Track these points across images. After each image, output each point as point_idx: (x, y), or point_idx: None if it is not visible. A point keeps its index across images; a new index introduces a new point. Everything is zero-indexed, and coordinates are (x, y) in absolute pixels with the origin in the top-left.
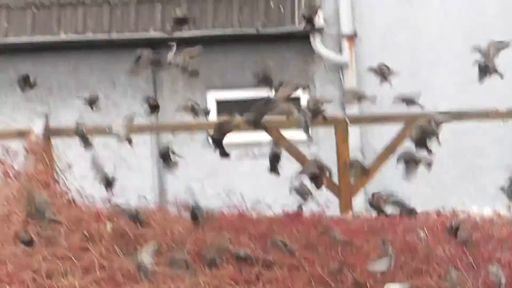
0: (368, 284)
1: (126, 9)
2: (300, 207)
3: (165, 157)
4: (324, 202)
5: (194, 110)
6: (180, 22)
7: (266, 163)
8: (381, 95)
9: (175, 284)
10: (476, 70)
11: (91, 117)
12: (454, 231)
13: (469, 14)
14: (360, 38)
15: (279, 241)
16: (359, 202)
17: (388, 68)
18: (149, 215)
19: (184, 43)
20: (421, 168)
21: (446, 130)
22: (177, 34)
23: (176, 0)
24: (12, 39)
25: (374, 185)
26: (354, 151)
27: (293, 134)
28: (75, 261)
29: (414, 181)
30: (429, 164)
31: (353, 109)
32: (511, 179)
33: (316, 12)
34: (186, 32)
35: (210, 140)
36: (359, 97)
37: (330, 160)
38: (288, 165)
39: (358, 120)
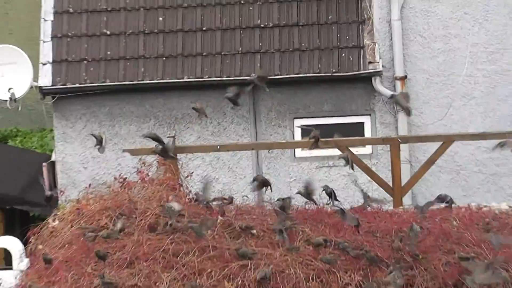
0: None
1: (233, 58)
2: (364, 203)
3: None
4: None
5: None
6: (197, 111)
7: (339, 171)
8: (425, 121)
9: (271, 258)
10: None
11: (207, 138)
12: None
13: (491, 61)
14: (409, 79)
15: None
16: (407, 200)
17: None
18: (250, 211)
19: (278, 84)
20: (453, 175)
21: (473, 146)
22: (274, 76)
23: (269, 54)
24: (147, 81)
25: (419, 189)
26: (404, 163)
27: (359, 150)
28: (194, 244)
29: (448, 185)
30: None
31: (404, 131)
32: None
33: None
34: (280, 76)
35: None
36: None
37: (386, 169)
38: (356, 173)
39: (407, 139)
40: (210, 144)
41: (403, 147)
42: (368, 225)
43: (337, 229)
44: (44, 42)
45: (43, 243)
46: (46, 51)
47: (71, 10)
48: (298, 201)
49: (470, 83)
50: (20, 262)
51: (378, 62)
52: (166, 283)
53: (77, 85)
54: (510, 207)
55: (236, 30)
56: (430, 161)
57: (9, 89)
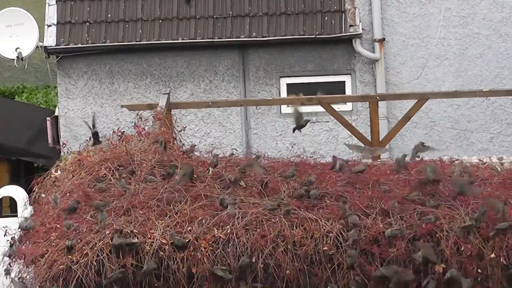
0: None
1: (225, 21)
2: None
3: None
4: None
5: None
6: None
7: (321, 126)
8: (401, 80)
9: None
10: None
11: (199, 95)
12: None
13: (462, 24)
14: (387, 41)
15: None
16: (385, 153)
17: None
18: (238, 163)
19: (266, 45)
20: (427, 130)
21: (446, 104)
22: (262, 37)
23: (257, 17)
24: (144, 42)
25: (395, 143)
26: (382, 119)
27: (340, 107)
28: (186, 193)
29: (423, 140)
30: None
31: (382, 89)
32: None
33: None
34: (268, 38)
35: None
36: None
37: (365, 125)
38: (337, 128)
39: (384, 97)
40: (202, 100)
41: (381, 104)
42: (348, 176)
43: (320, 180)
44: (49, 5)
45: (46, 192)
46: (51, 14)
47: None
48: (284, 154)
49: (443, 45)
50: (25, 209)
51: (358, 25)
52: (160, 230)
53: (80, 45)
54: (480, 160)
55: None
56: (406, 117)
57: (17, 48)
